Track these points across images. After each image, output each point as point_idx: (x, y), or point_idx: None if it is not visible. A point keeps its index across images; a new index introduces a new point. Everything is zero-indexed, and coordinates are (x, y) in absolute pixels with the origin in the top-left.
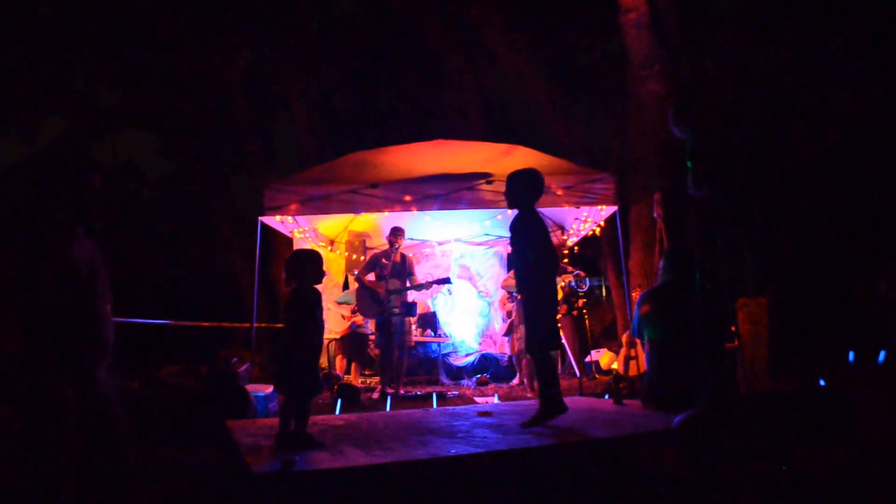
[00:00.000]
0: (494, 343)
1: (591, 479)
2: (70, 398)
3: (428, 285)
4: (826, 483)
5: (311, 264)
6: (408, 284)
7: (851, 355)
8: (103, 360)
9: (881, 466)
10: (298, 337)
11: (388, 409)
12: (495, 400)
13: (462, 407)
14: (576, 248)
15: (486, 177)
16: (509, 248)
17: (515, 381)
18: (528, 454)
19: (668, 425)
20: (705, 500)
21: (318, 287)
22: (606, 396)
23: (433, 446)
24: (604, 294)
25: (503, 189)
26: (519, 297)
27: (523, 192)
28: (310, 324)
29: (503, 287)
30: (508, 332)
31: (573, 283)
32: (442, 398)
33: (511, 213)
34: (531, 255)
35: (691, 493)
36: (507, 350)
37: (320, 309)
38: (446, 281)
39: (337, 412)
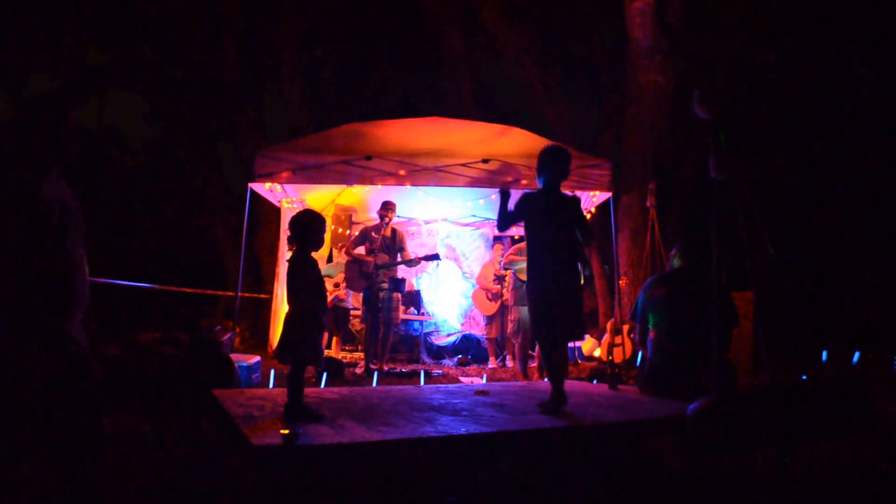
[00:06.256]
0: (476, 324)
1: (604, 463)
2: (38, 354)
3: (417, 261)
4: (825, 475)
5: (316, 226)
6: (398, 259)
7: (825, 355)
8: (74, 311)
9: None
10: (301, 302)
11: (374, 384)
12: (483, 380)
13: (456, 385)
14: None
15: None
16: (495, 230)
17: (489, 363)
18: (542, 435)
19: (679, 412)
20: (715, 487)
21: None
22: (595, 381)
23: (440, 423)
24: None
25: (497, 168)
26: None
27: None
28: (314, 289)
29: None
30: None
31: None
32: (428, 376)
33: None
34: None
35: (703, 480)
36: (491, 333)
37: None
38: (435, 257)
39: (322, 386)
